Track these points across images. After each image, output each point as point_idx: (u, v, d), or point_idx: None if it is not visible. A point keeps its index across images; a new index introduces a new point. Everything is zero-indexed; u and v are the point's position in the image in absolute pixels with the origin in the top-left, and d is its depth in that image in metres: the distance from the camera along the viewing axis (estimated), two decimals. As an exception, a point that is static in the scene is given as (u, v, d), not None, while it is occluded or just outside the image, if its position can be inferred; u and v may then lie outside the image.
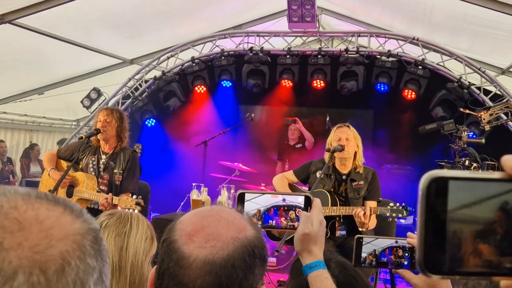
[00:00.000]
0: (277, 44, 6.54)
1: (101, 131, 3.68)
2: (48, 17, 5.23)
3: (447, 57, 5.85)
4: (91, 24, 5.89)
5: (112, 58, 7.11)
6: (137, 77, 6.99)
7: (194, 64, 6.67)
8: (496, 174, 0.48)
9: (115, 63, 7.35)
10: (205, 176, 5.93)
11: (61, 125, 9.34)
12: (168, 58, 6.88)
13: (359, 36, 6.28)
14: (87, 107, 6.90)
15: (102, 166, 3.76)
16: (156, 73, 6.92)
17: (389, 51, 6.01)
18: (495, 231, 0.47)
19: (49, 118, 8.99)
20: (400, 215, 3.34)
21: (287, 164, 6.25)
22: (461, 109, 4.86)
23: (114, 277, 1.48)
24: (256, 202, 1.29)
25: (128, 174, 3.76)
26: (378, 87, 6.15)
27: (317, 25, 6.15)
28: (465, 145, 4.35)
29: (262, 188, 5.81)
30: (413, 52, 6.07)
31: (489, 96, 5.57)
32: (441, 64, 5.85)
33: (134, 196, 3.47)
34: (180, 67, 6.77)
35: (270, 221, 1.29)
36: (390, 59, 6.04)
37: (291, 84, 6.46)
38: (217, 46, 6.67)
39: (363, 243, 1.57)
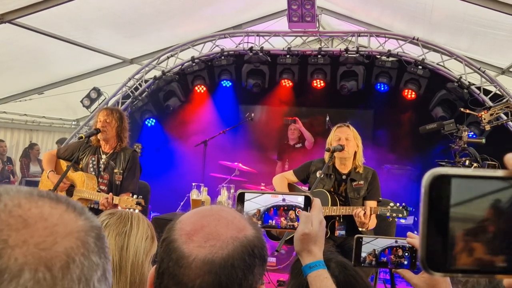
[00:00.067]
0: (277, 44, 6.53)
1: (101, 131, 3.68)
2: (48, 17, 5.23)
3: (447, 57, 5.85)
4: (91, 24, 5.89)
5: (112, 58, 7.11)
6: (137, 76, 6.98)
7: (194, 64, 6.66)
8: (499, 172, 0.48)
9: (115, 62, 7.34)
10: (205, 176, 5.93)
11: (61, 125, 9.34)
12: (168, 58, 6.88)
13: (359, 36, 6.28)
14: (87, 107, 6.90)
15: (102, 166, 3.76)
16: (156, 72, 6.92)
17: (389, 51, 6.01)
18: (498, 229, 0.47)
19: (49, 118, 8.99)
20: (400, 215, 3.34)
21: (287, 164, 6.24)
22: (462, 109, 4.86)
23: (115, 277, 1.48)
24: (256, 201, 1.29)
25: (129, 174, 3.76)
26: (378, 87, 6.14)
27: (317, 25, 6.15)
28: (466, 145, 4.35)
29: (262, 188, 5.81)
30: (413, 52, 6.06)
31: (489, 96, 5.57)
32: (441, 64, 5.85)
33: (135, 196, 3.47)
34: (180, 67, 6.77)
35: (270, 221, 1.29)
36: (390, 59, 6.04)
37: (291, 84, 6.46)
38: (217, 46, 6.67)
39: (363, 243, 1.57)
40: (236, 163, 6.14)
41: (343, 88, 6.10)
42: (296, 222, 1.29)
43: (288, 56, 6.34)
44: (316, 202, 1.29)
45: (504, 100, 5.30)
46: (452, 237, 0.47)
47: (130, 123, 3.96)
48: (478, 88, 5.68)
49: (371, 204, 3.49)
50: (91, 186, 3.66)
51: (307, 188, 3.95)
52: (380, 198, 3.61)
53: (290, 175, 3.86)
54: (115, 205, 3.44)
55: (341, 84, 6.13)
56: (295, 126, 6.43)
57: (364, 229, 3.34)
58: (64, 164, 3.86)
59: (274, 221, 1.30)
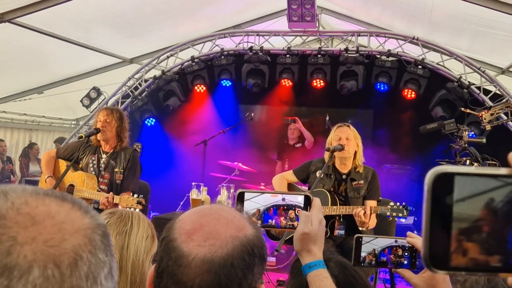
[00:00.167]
0: (277, 44, 6.53)
1: (101, 130, 3.67)
2: (47, 16, 5.23)
3: (447, 57, 5.85)
4: (91, 23, 5.89)
5: (111, 57, 7.11)
6: (136, 76, 6.98)
7: (193, 64, 6.66)
8: (502, 170, 0.48)
9: (114, 62, 7.34)
10: (205, 176, 5.93)
11: (61, 124, 9.34)
12: (168, 57, 6.88)
13: (359, 35, 6.28)
14: (87, 106, 6.90)
15: (102, 165, 3.75)
16: (156, 72, 6.91)
17: (389, 50, 6.01)
18: (502, 227, 0.47)
19: (49, 118, 8.99)
20: (400, 215, 3.33)
21: (287, 163, 6.24)
22: (462, 109, 4.87)
23: (115, 276, 1.48)
24: (256, 201, 1.29)
25: (129, 173, 3.76)
26: (378, 86, 6.14)
27: (317, 25, 6.14)
28: (466, 145, 4.34)
29: (262, 187, 5.81)
30: (413, 51, 6.06)
31: (488, 96, 5.57)
32: (441, 63, 5.85)
33: (135, 195, 3.47)
34: (180, 66, 6.77)
35: (270, 221, 1.29)
36: (390, 58, 6.04)
37: (290, 83, 6.46)
38: (216, 45, 6.67)
39: (363, 242, 1.57)
40: (236, 163, 6.14)
41: (343, 88, 6.10)
42: (296, 222, 1.29)
43: (288, 55, 6.34)
44: (316, 201, 1.29)
45: (504, 100, 5.30)
46: (455, 235, 0.47)
47: (129, 122, 3.96)
48: (478, 88, 5.67)
49: (371, 203, 3.49)
50: (91, 185, 3.66)
51: (307, 188, 3.94)
52: (380, 198, 3.61)
53: (289, 175, 3.86)
54: (116, 204, 3.43)
55: (341, 83, 6.13)
56: (295, 125, 6.43)
57: (364, 229, 3.34)
58: (63, 164, 3.86)
59: (273, 221, 1.29)
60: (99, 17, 5.77)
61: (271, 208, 1.29)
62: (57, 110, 8.85)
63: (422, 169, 5.92)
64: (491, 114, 4.34)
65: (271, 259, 5.08)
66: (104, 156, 3.77)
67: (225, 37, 6.65)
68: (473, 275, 1.17)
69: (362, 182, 3.56)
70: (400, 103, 6.18)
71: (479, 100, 5.59)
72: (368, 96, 6.36)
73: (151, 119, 6.98)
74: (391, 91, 6.15)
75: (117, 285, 0.58)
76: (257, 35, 6.55)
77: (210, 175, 6.28)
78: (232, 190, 4.54)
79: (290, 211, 1.30)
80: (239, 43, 6.57)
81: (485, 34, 5.38)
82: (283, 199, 1.30)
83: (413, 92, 5.94)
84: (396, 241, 1.56)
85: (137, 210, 3.22)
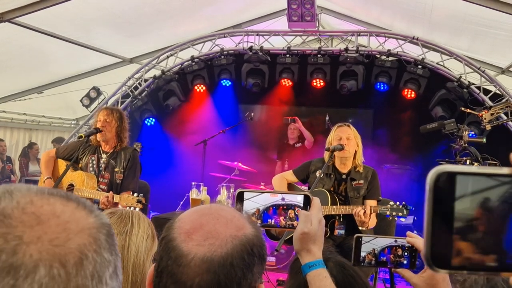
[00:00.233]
0: (277, 43, 6.53)
1: (101, 130, 3.67)
2: (47, 16, 5.23)
3: (447, 57, 5.85)
4: (90, 23, 5.89)
5: (111, 57, 7.11)
6: (136, 76, 6.98)
7: (193, 63, 6.66)
8: (504, 169, 0.48)
9: (114, 62, 7.34)
10: (205, 175, 5.93)
11: (61, 124, 9.34)
12: (168, 57, 6.88)
13: (359, 35, 6.28)
14: (87, 106, 6.90)
15: (102, 165, 3.75)
16: (156, 72, 6.91)
17: (388, 50, 6.01)
18: (503, 226, 0.47)
19: (49, 117, 8.99)
20: (400, 214, 3.33)
21: (287, 163, 6.24)
22: (462, 109, 4.87)
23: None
24: (255, 201, 1.29)
25: (129, 173, 3.75)
26: (378, 86, 6.14)
27: (317, 25, 6.14)
28: (466, 145, 4.35)
29: (262, 187, 5.80)
30: (412, 51, 6.06)
31: (488, 96, 5.57)
32: (441, 63, 5.85)
33: (135, 194, 3.47)
34: (180, 66, 6.77)
35: (269, 220, 1.29)
36: (390, 58, 6.04)
37: (290, 83, 6.46)
38: (216, 45, 6.66)
39: (362, 242, 1.57)
40: (235, 163, 6.14)
41: (343, 88, 6.10)
42: (296, 221, 1.29)
43: (287, 55, 6.34)
44: (316, 201, 1.29)
45: (504, 100, 5.30)
46: (457, 234, 0.47)
47: (129, 122, 3.95)
48: (478, 87, 5.67)
49: (371, 203, 3.49)
50: (91, 185, 3.65)
51: (306, 188, 3.94)
52: (380, 198, 3.61)
53: (289, 175, 3.85)
54: (116, 204, 3.43)
55: (340, 83, 6.13)
56: (295, 125, 6.43)
57: (364, 228, 3.34)
58: (63, 163, 3.85)
59: (273, 220, 1.29)
60: (99, 17, 5.77)
61: (271, 208, 1.29)
62: (57, 110, 8.85)
63: (422, 169, 5.92)
64: (492, 114, 4.34)
65: (271, 259, 5.08)
66: (104, 156, 3.77)
67: (225, 37, 6.65)
68: (474, 274, 1.17)
69: (362, 181, 3.56)
70: (400, 103, 6.18)
71: (479, 100, 5.59)
72: (368, 96, 6.36)
73: (151, 119, 6.98)
74: (391, 91, 6.15)
75: (121, 284, 0.58)
76: (257, 35, 6.55)
77: (210, 175, 6.27)
78: (232, 190, 4.54)
79: (290, 211, 1.30)
80: (239, 43, 6.57)
81: (485, 34, 5.37)
82: (283, 199, 1.30)
83: (413, 92, 5.93)
84: (395, 241, 1.56)
85: (137, 209, 3.22)
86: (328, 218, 3.49)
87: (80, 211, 0.56)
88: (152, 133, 6.99)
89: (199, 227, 0.85)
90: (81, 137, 3.68)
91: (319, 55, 6.24)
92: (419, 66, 5.83)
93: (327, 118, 6.23)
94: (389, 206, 3.35)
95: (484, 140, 4.43)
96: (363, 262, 1.57)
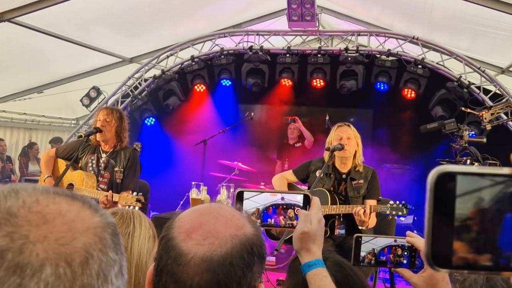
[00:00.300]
0: (277, 43, 6.53)
1: (101, 130, 3.67)
2: (47, 16, 5.22)
3: (447, 57, 5.85)
4: (90, 23, 5.88)
5: (111, 57, 7.11)
6: (136, 75, 6.98)
7: (193, 63, 6.66)
8: (505, 170, 0.48)
9: (114, 61, 7.34)
10: (205, 175, 5.93)
11: (60, 124, 9.33)
12: (168, 56, 6.88)
13: (359, 35, 6.28)
14: (87, 106, 6.90)
15: (102, 164, 3.75)
16: (156, 71, 6.91)
17: (388, 50, 6.01)
18: (504, 225, 0.47)
19: (49, 117, 8.98)
20: (400, 213, 3.33)
21: (287, 163, 6.24)
22: (463, 108, 4.87)
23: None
24: (255, 200, 1.29)
25: (129, 173, 3.76)
26: (378, 86, 6.14)
27: (317, 24, 6.14)
28: (467, 144, 4.35)
29: (262, 187, 5.80)
30: (413, 51, 6.06)
31: (488, 96, 5.57)
32: (441, 63, 5.85)
33: (135, 193, 3.46)
34: (180, 66, 6.77)
35: (269, 220, 1.29)
36: (390, 58, 6.04)
37: (290, 83, 6.46)
38: (216, 45, 6.66)
39: (362, 242, 1.57)
40: (235, 162, 6.14)
41: (343, 88, 6.10)
42: (295, 221, 1.29)
43: (287, 55, 6.34)
44: (315, 200, 1.29)
45: (504, 100, 5.30)
46: (458, 233, 0.47)
47: (129, 122, 3.96)
48: (478, 87, 5.67)
49: (371, 203, 3.49)
50: (91, 184, 3.65)
51: (306, 188, 3.94)
52: (380, 197, 3.61)
53: (289, 175, 3.85)
54: (115, 203, 3.43)
55: (340, 83, 6.13)
56: (295, 125, 6.43)
57: (364, 228, 3.34)
58: (63, 163, 3.86)
59: (273, 220, 1.29)
60: (99, 17, 5.76)
61: (270, 207, 1.29)
62: (57, 110, 8.85)
63: (422, 169, 5.92)
64: (492, 114, 4.34)
65: (271, 259, 5.08)
66: (103, 155, 3.77)
67: (225, 36, 6.65)
68: (475, 274, 1.17)
69: (362, 181, 3.56)
70: (400, 102, 6.18)
71: (479, 99, 5.59)
72: (368, 96, 6.36)
73: (151, 118, 6.98)
74: (391, 91, 6.15)
75: (126, 284, 0.58)
76: (257, 34, 6.55)
77: (209, 175, 6.28)
78: (231, 190, 4.54)
79: (289, 210, 1.29)
80: (239, 43, 6.57)
81: (485, 33, 5.37)
82: (282, 198, 1.30)
83: (413, 92, 5.93)
84: (395, 241, 1.56)
85: (137, 208, 3.22)
86: (328, 218, 3.50)
87: (86, 210, 0.57)
88: (152, 132, 6.99)
89: (198, 226, 0.85)
90: (81, 136, 3.68)
91: (319, 55, 6.24)
92: (419, 66, 5.83)
93: (327, 118, 6.23)
94: (388, 205, 3.35)
95: (484, 140, 4.43)
96: (362, 262, 1.57)
